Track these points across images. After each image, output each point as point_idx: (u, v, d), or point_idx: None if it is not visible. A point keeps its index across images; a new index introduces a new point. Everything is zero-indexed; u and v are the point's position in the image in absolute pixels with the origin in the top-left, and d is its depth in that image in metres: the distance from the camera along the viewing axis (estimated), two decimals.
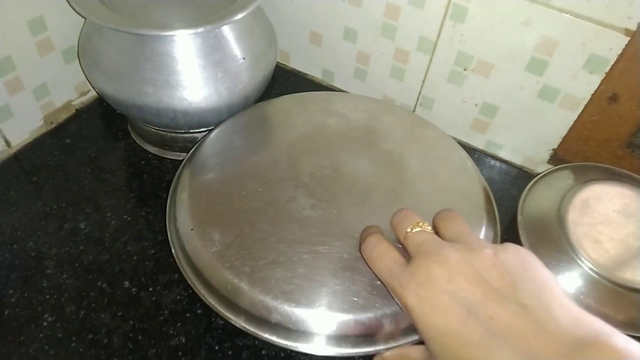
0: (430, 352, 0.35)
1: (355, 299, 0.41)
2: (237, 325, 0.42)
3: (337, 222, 0.47)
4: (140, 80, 0.54)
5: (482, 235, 0.48)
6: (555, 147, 0.66)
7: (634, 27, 0.51)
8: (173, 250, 0.47)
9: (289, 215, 0.47)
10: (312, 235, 0.46)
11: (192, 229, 0.46)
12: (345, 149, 0.55)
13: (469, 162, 0.55)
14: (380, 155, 0.55)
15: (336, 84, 0.81)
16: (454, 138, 0.59)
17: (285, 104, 0.61)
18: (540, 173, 0.58)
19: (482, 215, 0.50)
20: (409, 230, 0.41)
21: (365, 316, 0.41)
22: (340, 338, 0.41)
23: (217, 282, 0.43)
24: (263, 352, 0.49)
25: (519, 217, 0.53)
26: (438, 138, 0.58)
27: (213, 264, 0.43)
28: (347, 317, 0.41)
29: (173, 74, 0.54)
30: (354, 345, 0.41)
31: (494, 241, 0.50)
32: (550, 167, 0.68)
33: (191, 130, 0.63)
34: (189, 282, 0.45)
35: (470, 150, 0.73)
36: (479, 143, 0.72)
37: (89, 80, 0.64)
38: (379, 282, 0.42)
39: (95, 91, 0.70)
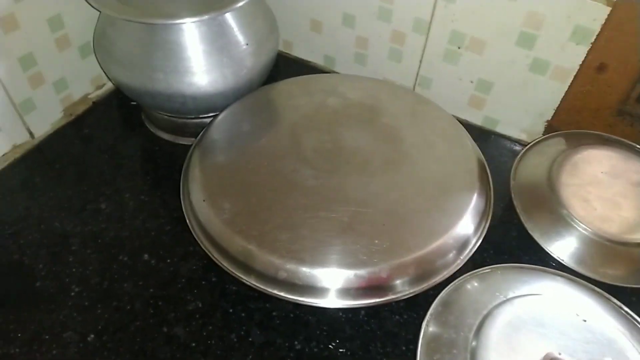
0: None
1: (356, 255, 0.45)
2: (248, 283, 0.46)
3: (338, 190, 0.51)
4: (152, 67, 0.58)
5: (474, 200, 0.51)
6: (549, 118, 0.68)
7: None
8: (188, 221, 0.51)
9: (292, 185, 0.51)
10: (315, 202, 0.49)
11: (204, 200, 0.50)
12: (346, 125, 0.58)
13: (464, 135, 0.59)
14: (379, 129, 0.58)
15: (337, 69, 0.84)
16: (453, 116, 0.62)
17: (288, 87, 0.65)
18: (533, 140, 0.61)
19: (474, 182, 0.53)
20: None
21: (365, 271, 0.44)
22: (343, 291, 0.44)
23: (229, 246, 0.47)
24: (274, 313, 0.52)
25: (512, 182, 0.56)
26: (434, 112, 0.62)
27: (224, 230, 0.47)
28: (349, 272, 0.44)
29: (182, 60, 0.58)
30: (355, 297, 0.44)
31: (487, 206, 0.53)
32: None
33: (201, 116, 0.67)
34: (202, 247, 0.49)
35: (469, 127, 0.76)
36: (476, 119, 0.75)
37: (104, 71, 0.68)
38: (377, 241, 0.46)
39: (111, 81, 0.75)
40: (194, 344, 0.50)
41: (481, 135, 0.75)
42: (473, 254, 0.56)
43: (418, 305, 0.53)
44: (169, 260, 0.57)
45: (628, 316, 0.45)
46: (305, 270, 0.44)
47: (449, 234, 0.48)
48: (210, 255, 0.48)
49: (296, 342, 0.50)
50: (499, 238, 0.61)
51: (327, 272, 0.44)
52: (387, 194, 0.50)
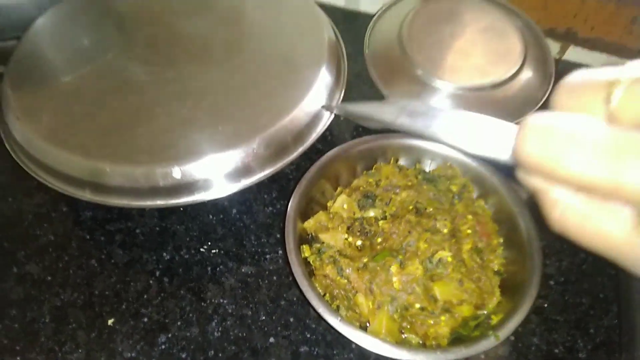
0: None
1: (199, 145, 0.41)
2: (81, 197, 0.41)
3: (175, 83, 0.46)
4: None
5: (322, 72, 0.47)
6: None
7: None
8: (9, 148, 0.45)
9: (122, 85, 0.45)
10: (149, 99, 0.44)
11: (17, 119, 0.43)
12: (182, 13, 0.52)
13: (314, 7, 0.54)
14: (220, 13, 0.52)
15: None
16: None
17: None
18: (385, 5, 0.58)
19: (323, 55, 0.49)
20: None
21: (210, 157, 0.41)
22: (200, 184, 0.41)
23: (54, 163, 0.41)
24: (137, 230, 0.49)
25: (366, 52, 0.53)
26: None
27: (44, 146, 0.41)
28: (192, 165, 0.40)
29: None
30: (210, 188, 0.41)
31: (340, 77, 0.50)
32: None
33: (19, 35, 0.57)
34: (25, 168, 0.43)
35: (332, 9, 0.72)
36: (338, 2, 0.71)
37: None
38: (220, 127, 0.42)
39: None
40: (49, 278, 0.46)
41: (346, 18, 0.71)
42: (336, 132, 0.55)
43: (289, 191, 0.51)
44: (10, 199, 0.50)
45: None
46: (143, 171, 0.40)
47: (299, 109, 0.45)
48: (35, 176, 0.42)
49: (164, 254, 0.47)
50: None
51: (166, 169, 0.40)
52: (229, 79, 0.46)
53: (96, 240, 0.48)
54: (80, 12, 0.53)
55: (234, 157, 0.41)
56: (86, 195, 0.41)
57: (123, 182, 0.40)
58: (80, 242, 0.48)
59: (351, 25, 0.70)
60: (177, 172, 0.40)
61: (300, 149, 0.45)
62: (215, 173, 0.41)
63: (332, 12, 0.67)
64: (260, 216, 0.50)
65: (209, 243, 0.48)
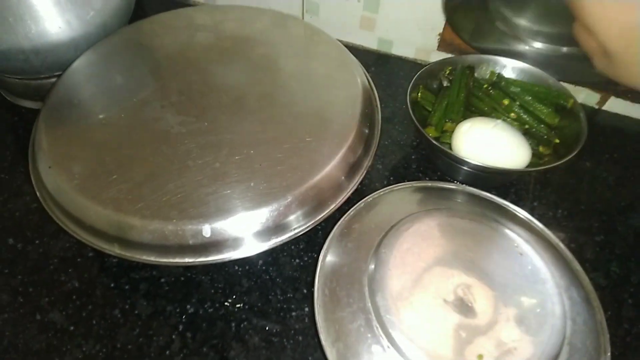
0: (609, 51, 0.35)
1: (230, 202, 0.40)
2: (109, 252, 0.40)
3: (208, 134, 0.45)
4: None
5: (357, 125, 0.47)
6: (441, 31, 0.64)
7: None
8: (38, 194, 0.44)
9: (155, 136, 0.45)
10: (182, 151, 0.44)
11: (50, 167, 0.43)
12: (216, 61, 0.52)
13: (348, 58, 0.54)
14: (255, 63, 0.52)
15: None
16: (347, 43, 0.57)
17: (150, 26, 0.57)
18: (425, 65, 0.57)
19: (356, 107, 0.48)
20: None
21: (241, 215, 0.40)
22: (230, 242, 0.40)
23: (84, 215, 0.41)
24: (162, 280, 0.48)
25: (409, 100, 0.52)
26: (316, 38, 0.56)
27: (76, 197, 0.41)
28: (224, 223, 0.40)
29: (8, 8, 0.48)
30: (243, 246, 0.40)
31: (374, 130, 0.49)
32: (441, 55, 0.67)
33: (56, 73, 0.58)
34: (55, 219, 0.42)
35: (365, 53, 0.71)
36: (371, 42, 0.70)
37: None
38: (252, 184, 0.41)
39: None
40: (72, 328, 0.45)
41: (378, 60, 0.70)
42: (367, 181, 0.53)
43: (317, 244, 0.50)
44: (37, 242, 0.50)
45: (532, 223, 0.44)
46: (173, 228, 0.39)
47: (332, 166, 0.43)
48: (63, 227, 0.42)
49: (188, 306, 0.46)
50: (397, 162, 0.58)
51: (197, 227, 0.39)
52: (262, 132, 0.45)
53: (121, 288, 0.47)
54: (116, 55, 0.53)
55: (265, 215, 0.40)
56: (115, 250, 0.40)
57: (152, 239, 0.39)
58: (104, 290, 0.47)
59: (382, 68, 0.69)
60: (207, 231, 0.39)
61: (333, 207, 0.44)
62: (246, 231, 0.40)
63: (364, 55, 0.67)
64: (287, 269, 0.49)
65: (234, 296, 0.47)
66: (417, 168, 0.58)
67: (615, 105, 0.64)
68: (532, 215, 0.45)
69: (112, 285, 0.47)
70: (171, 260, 0.40)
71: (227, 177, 0.42)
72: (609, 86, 0.62)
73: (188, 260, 0.40)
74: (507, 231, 0.42)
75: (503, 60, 0.56)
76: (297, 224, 0.42)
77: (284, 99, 0.48)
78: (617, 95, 0.63)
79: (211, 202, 0.40)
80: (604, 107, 0.65)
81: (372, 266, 0.42)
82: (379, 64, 0.70)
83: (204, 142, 0.44)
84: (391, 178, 0.57)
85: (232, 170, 0.42)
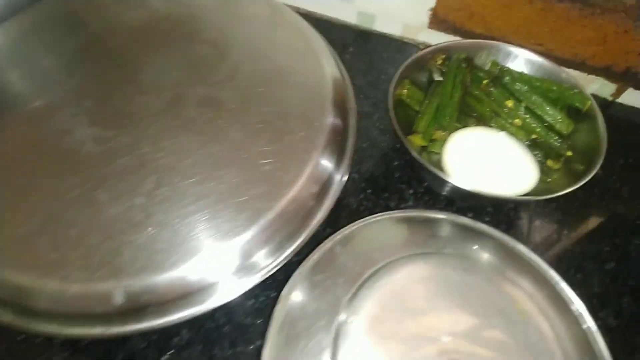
0: None
1: (153, 255, 0.31)
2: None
3: (130, 153, 0.35)
4: None
5: (326, 130, 0.37)
6: (434, 5, 0.53)
7: None
8: None
9: (60, 158, 0.35)
10: (94, 179, 0.34)
11: None
12: (147, 51, 0.41)
13: (318, 45, 0.43)
14: (195, 51, 0.41)
15: None
16: (322, 16, 0.45)
17: (64, 2, 0.45)
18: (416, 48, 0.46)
19: (325, 107, 0.38)
20: None
21: (170, 275, 0.30)
22: (154, 308, 0.31)
23: None
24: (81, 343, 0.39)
25: (390, 102, 0.42)
26: (277, 18, 0.45)
27: None
28: (143, 283, 0.30)
29: None
30: (172, 309, 0.31)
31: (343, 146, 0.40)
32: (433, 34, 0.56)
33: None
34: None
35: (342, 28, 0.60)
36: (349, 16, 0.59)
37: None
38: (183, 228, 0.32)
39: None
40: None
41: (358, 39, 0.59)
42: (341, 195, 0.44)
43: (277, 280, 0.41)
44: None
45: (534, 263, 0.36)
46: (78, 291, 0.30)
47: (295, 189, 0.34)
48: None
49: None
50: (377, 169, 0.49)
51: (105, 290, 0.30)
52: (204, 148, 0.36)
53: (30, 342, 0.38)
54: (18, 41, 0.42)
55: (202, 271, 0.31)
56: (6, 319, 0.31)
57: (51, 305, 0.30)
58: (11, 344, 0.38)
59: (363, 48, 0.58)
60: (119, 295, 0.30)
61: (301, 241, 0.35)
62: (172, 295, 0.31)
63: (342, 32, 0.57)
64: (238, 313, 0.40)
65: (170, 352, 0.38)
66: (400, 177, 0.48)
67: (633, 97, 0.55)
68: (532, 235, 0.37)
69: (20, 337, 0.38)
70: (77, 331, 0.31)
71: (153, 218, 0.32)
72: (628, 76, 0.53)
73: (96, 331, 0.31)
74: (506, 284, 0.34)
75: (506, 47, 0.46)
76: (245, 277, 0.33)
77: (232, 104, 0.38)
78: (637, 87, 0.54)
79: (127, 255, 0.31)
80: (619, 100, 0.56)
81: (342, 317, 0.34)
82: (358, 43, 0.59)
83: (124, 166, 0.34)
84: (369, 190, 0.47)
85: (160, 208, 0.33)
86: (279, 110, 0.38)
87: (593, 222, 0.47)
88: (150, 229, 0.32)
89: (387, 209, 0.46)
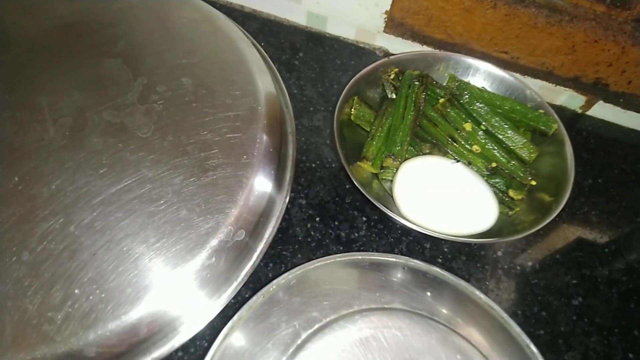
0: None
1: (37, 326, 0.25)
2: None
3: (17, 196, 0.29)
4: None
5: (258, 156, 0.32)
6: (388, 7, 0.48)
7: None
8: None
9: None
10: None
11: None
12: (46, 67, 0.34)
13: (246, 52, 0.37)
14: (104, 66, 0.35)
15: None
16: (269, 16, 0.40)
17: None
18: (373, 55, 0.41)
19: (257, 135, 0.33)
20: None
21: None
22: None
23: None
24: None
25: (335, 124, 0.37)
26: (200, 22, 0.39)
27: None
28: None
29: None
30: None
31: (281, 174, 0.34)
32: (389, 38, 0.51)
33: None
34: None
35: (292, 30, 0.54)
36: (299, 17, 0.53)
37: None
38: (77, 290, 0.26)
39: None
40: None
41: (309, 42, 0.54)
42: (284, 224, 0.40)
43: (212, 327, 0.36)
44: None
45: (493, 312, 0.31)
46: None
47: (223, 232, 0.29)
48: None
49: None
50: (326, 193, 0.44)
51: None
52: (108, 185, 0.30)
53: None
54: None
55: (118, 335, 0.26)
56: None
57: None
58: None
59: (314, 52, 0.53)
60: None
61: (236, 284, 0.30)
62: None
63: (291, 34, 0.51)
64: None
65: None
66: (351, 203, 0.43)
67: (603, 111, 0.51)
68: (492, 271, 0.33)
69: None
70: None
71: (39, 278, 0.26)
72: (598, 88, 0.49)
73: None
74: (460, 343, 0.30)
75: (466, 59, 0.42)
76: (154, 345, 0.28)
77: (144, 131, 0.32)
78: (607, 100, 0.50)
79: (9, 329, 0.25)
80: (589, 112, 0.52)
81: None
82: (309, 47, 0.53)
83: (7, 216, 0.28)
84: (317, 219, 0.42)
85: (44, 264, 0.27)
86: (200, 140, 0.32)
87: (559, 252, 0.43)
88: (33, 297, 0.26)
89: (337, 239, 0.41)
